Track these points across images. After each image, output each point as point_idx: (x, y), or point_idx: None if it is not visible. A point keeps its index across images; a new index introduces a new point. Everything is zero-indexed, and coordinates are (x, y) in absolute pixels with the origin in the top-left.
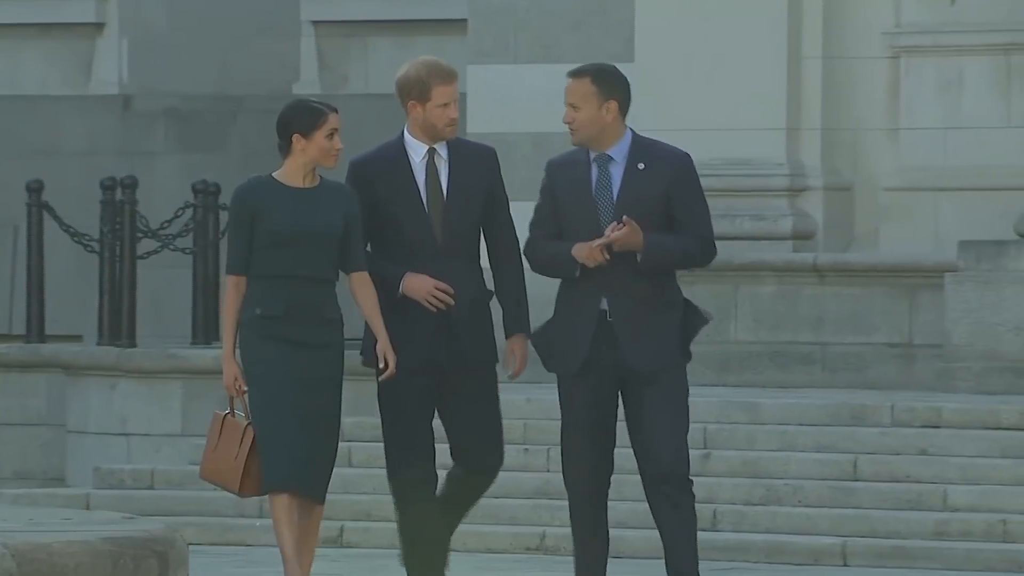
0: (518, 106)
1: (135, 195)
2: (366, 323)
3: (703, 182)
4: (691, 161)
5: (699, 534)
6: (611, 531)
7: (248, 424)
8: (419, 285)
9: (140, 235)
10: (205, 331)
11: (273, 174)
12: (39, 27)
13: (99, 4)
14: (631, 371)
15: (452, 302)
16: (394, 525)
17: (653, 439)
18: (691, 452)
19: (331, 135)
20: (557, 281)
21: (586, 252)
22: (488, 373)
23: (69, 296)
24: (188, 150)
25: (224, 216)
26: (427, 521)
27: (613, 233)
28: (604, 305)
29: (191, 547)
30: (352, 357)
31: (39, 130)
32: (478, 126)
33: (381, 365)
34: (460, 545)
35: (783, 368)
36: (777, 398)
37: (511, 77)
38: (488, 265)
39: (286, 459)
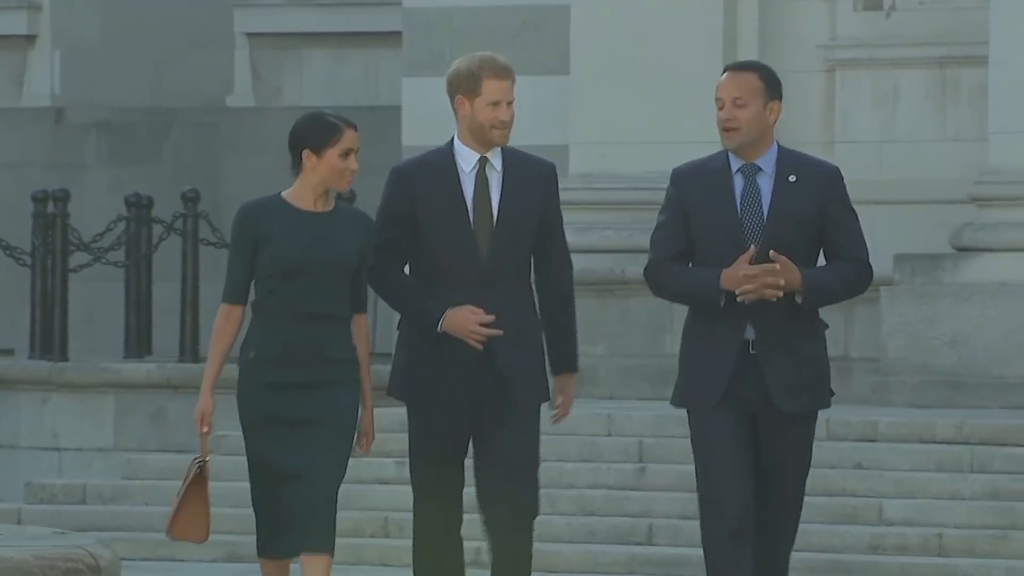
0: (453, 119)
1: (67, 208)
2: (395, 353)
3: (638, 196)
4: (842, 176)
5: (633, 549)
6: None
7: (197, 461)
8: (460, 323)
9: (72, 248)
10: (138, 345)
11: (282, 194)
12: None
13: (31, 16)
14: (771, 410)
15: (499, 334)
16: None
17: (770, 485)
18: (627, 466)
19: (346, 154)
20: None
21: (739, 279)
22: (532, 411)
23: (0, 310)
24: (121, 163)
25: (157, 229)
26: (445, 565)
27: (768, 277)
28: (749, 335)
29: (124, 562)
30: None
31: None
32: (413, 139)
33: (362, 437)
34: (396, 560)
35: None
36: None
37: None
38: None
39: (275, 524)
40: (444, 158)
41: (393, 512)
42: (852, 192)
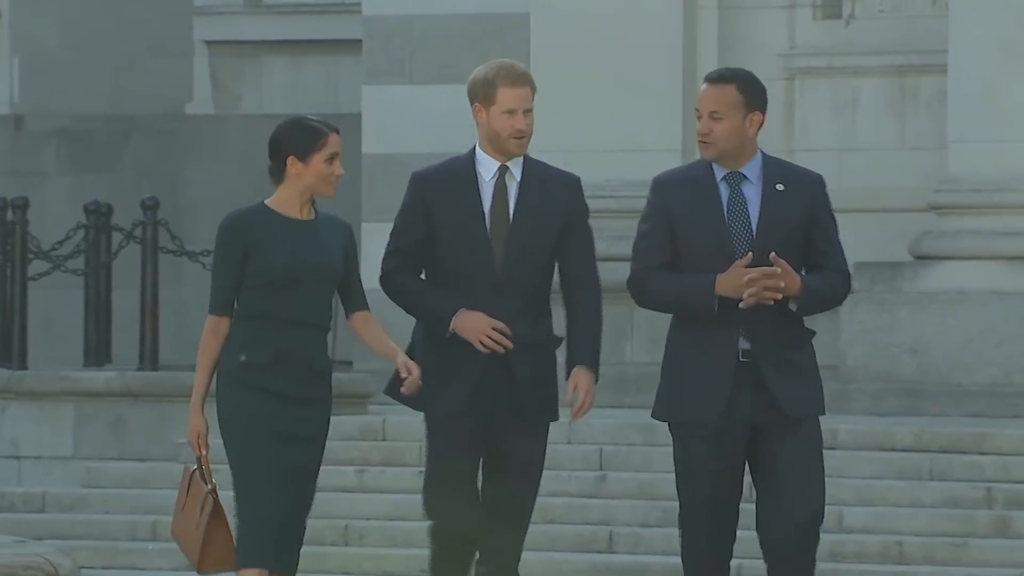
0: (414, 127)
1: (26, 216)
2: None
3: (599, 204)
4: (825, 184)
5: (594, 557)
6: None
7: (209, 491)
8: (473, 325)
9: (31, 256)
10: (97, 353)
11: (266, 202)
12: None
13: None
14: (776, 417)
15: (509, 346)
16: None
17: (789, 492)
18: (587, 473)
19: (331, 159)
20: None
21: (741, 282)
22: (542, 434)
23: None
24: (80, 170)
25: (117, 237)
26: (463, 563)
27: (769, 280)
28: (743, 345)
29: (84, 570)
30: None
31: None
32: (373, 147)
33: (403, 375)
34: (356, 568)
35: None
36: None
37: (407, 98)
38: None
39: (265, 532)
40: (465, 165)
41: (354, 520)
42: None
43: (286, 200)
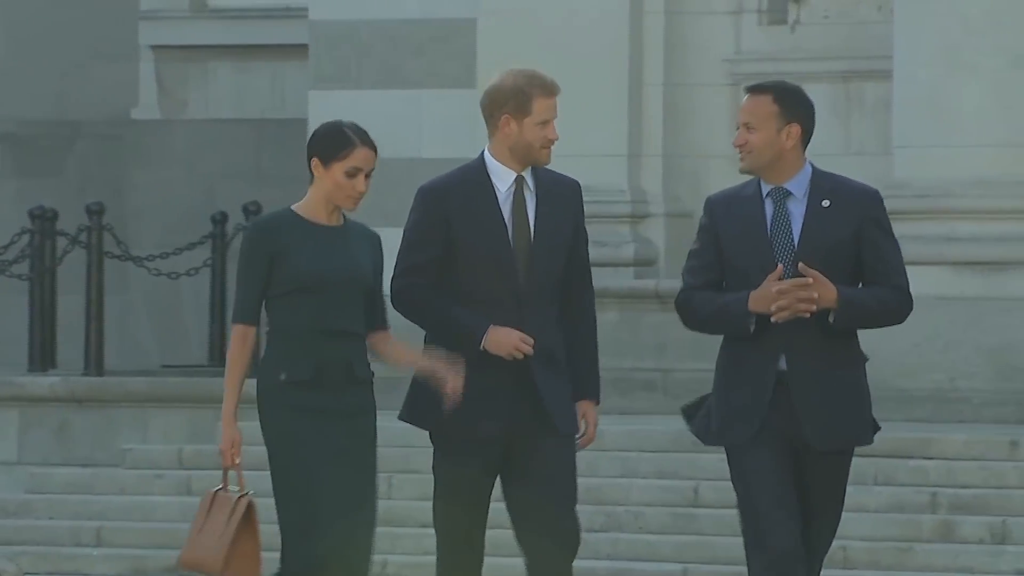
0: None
1: None
2: (412, 383)
3: None
4: (882, 200)
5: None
6: None
7: (241, 496)
8: (504, 339)
9: None
10: (42, 359)
11: (293, 207)
12: None
13: None
14: (805, 447)
15: (531, 352)
16: None
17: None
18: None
19: (354, 173)
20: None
21: (769, 297)
22: (571, 442)
23: None
24: (24, 175)
25: (62, 242)
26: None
27: (801, 291)
28: (783, 365)
29: None
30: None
31: None
32: None
33: (445, 377)
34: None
35: (625, 395)
36: (619, 424)
37: (353, 103)
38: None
39: (320, 560)
40: (479, 176)
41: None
42: None
43: (313, 204)
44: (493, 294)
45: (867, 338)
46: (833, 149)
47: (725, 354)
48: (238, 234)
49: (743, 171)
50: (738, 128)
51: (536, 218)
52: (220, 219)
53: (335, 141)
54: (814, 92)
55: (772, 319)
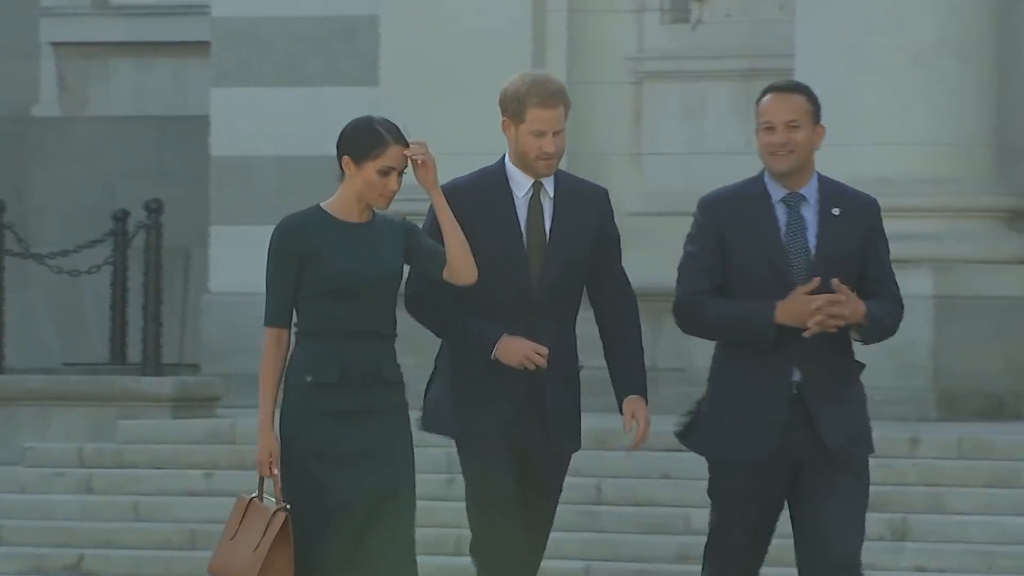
0: (262, 129)
1: None
2: (427, 391)
3: None
4: (880, 208)
5: (442, 559)
6: None
7: (278, 509)
8: (516, 349)
9: None
10: None
11: (322, 205)
12: None
13: None
14: (821, 454)
15: (544, 365)
16: None
17: (829, 529)
18: (436, 476)
19: (387, 172)
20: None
21: (806, 310)
22: (564, 465)
23: None
24: None
25: None
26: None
27: (834, 308)
28: (796, 377)
29: None
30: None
31: None
32: (222, 150)
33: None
34: (203, 572)
35: None
36: None
37: (255, 100)
38: (593, 323)
39: (346, 567)
40: (496, 181)
41: (200, 524)
42: (659, 204)
43: (344, 202)
44: (506, 300)
45: None
46: (736, 147)
47: (727, 360)
48: (139, 232)
49: (781, 172)
50: (766, 129)
51: (553, 225)
52: (121, 216)
53: (368, 139)
54: (716, 90)
55: (804, 334)
